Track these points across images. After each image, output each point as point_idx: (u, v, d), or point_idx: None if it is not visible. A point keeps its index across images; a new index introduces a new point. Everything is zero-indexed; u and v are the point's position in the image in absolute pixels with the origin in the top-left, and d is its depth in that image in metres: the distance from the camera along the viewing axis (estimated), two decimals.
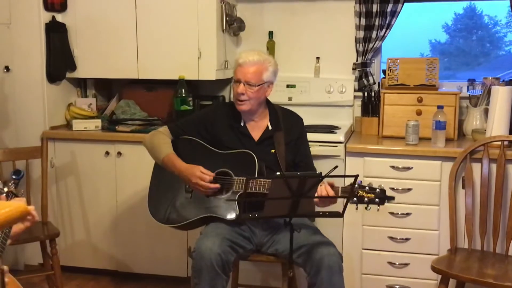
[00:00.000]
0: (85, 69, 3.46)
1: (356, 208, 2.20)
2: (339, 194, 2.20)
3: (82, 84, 3.65)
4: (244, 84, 2.41)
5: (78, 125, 3.34)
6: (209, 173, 2.36)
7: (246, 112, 2.49)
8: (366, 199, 2.15)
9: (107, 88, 3.81)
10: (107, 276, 3.40)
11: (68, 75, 3.47)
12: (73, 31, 3.43)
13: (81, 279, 3.39)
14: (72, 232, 3.40)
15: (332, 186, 2.21)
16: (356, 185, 2.16)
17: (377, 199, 2.15)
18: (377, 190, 2.16)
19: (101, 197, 3.33)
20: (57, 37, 3.35)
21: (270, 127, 2.52)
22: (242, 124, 2.52)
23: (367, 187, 2.16)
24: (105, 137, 3.28)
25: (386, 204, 2.17)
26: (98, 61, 3.42)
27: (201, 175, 2.35)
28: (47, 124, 3.37)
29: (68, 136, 3.32)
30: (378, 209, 2.18)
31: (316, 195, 2.16)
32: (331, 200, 2.22)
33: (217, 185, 2.37)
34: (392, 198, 2.18)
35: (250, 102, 2.44)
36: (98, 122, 3.38)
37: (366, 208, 2.16)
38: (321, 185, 2.19)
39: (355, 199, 2.15)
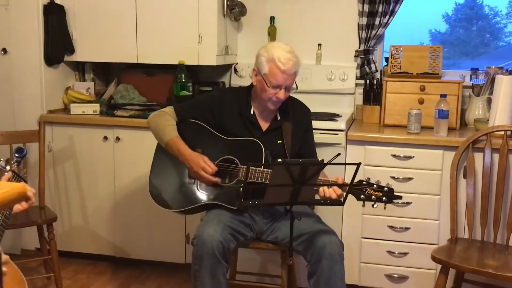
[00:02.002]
0: (83, 52, 3.42)
1: (363, 205, 2.18)
2: (347, 191, 2.18)
3: (80, 68, 3.61)
4: (285, 89, 2.36)
5: (76, 109, 3.31)
6: (212, 165, 2.33)
7: (275, 110, 2.45)
8: (374, 197, 2.14)
9: (105, 72, 3.77)
10: (104, 262, 3.39)
11: (66, 58, 3.43)
12: (71, 14, 3.38)
13: (78, 264, 3.38)
14: (69, 217, 3.38)
15: (341, 185, 2.18)
16: (364, 182, 2.14)
17: (384, 198, 2.13)
18: (385, 188, 2.14)
19: (99, 182, 3.31)
20: (55, 19, 3.30)
21: (279, 117, 2.49)
22: (251, 113, 2.48)
23: (375, 185, 2.14)
24: (104, 122, 3.24)
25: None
26: (97, 45, 3.38)
27: (204, 165, 2.32)
28: (44, 108, 3.33)
29: (66, 120, 3.28)
30: (385, 208, 2.16)
31: (322, 191, 2.15)
32: (337, 196, 2.19)
33: (218, 180, 2.34)
34: (399, 197, 2.16)
35: (281, 102, 2.41)
36: (96, 107, 3.34)
37: (372, 206, 2.14)
38: (328, 188, 2.18)
39: (362, 196, 2.14)
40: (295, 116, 2.50)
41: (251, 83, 2.48)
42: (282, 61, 2.30)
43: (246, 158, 2.34)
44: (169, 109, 2.52)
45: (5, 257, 1.37)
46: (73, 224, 3.38)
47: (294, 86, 2.41)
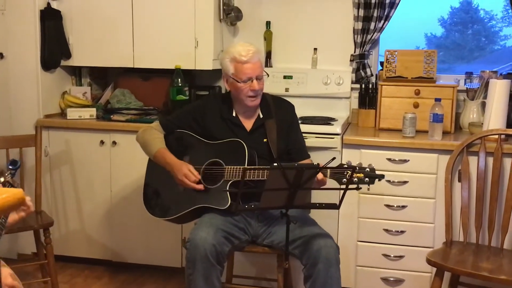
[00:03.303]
0: (80, 57, 3.43)
1: (345, 189, 2.16)
2: (328, 176, 2.20)
3: (77, 72, 3.62)
4: (256, 80, 2.39)
5: (73, 113, 3.32)
6: (196, 173, 2.37)
7: (255, 107, 2.47)
8: (355, 179, 2.14)
9: (102, 77, 3.78)
10: (101, 266, 3.39)
11: (63, 63, 3.44)
12: (68, 19, 3.39)
13: (75, 268, 3.38)
14: (66, 221, 3.38)
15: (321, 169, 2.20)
16: (345, 165, 2.15)
17: (366, 179, 2.14)
18: (366, 169, 2.15)
19: (96, 187, 3.31)
20: (52, 24, 3.31)
21: (261, 116, 2.51)
22: (234, 115, 2.51)
23: (356, 167, 2.15)
24: (100, 126, 3.25)
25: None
26: (94, 49, 3.39)
27: (188, 173, 2.36)
28: (41, 112, 3.33)
29: (63, 124, 3.29)
30: (368, 189, 2.18)
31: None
32: (318, 182, 2.21)
33: (201, 187, 2.37)
34: (382, 176, 2.17)
35: (260, 95, 2.45)
36: (93, 111, 3.35)
37: (356, 188, 2.14)
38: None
39: (344, 180, 2.14)
40: (278, 113, 2.53)
41: (229, 91, 2.52)
42: (243, 54, 2.37)
43: (231, 158, 2.38)
44: (155, 124, 2.59)
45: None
46: (70, 228, 3.38)
47: (265, 74, 2.45)
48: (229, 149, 2.41)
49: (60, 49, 3.38)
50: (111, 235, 3.33)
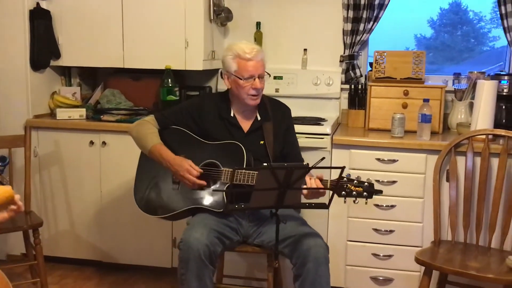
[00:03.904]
0: (69, 57, 3.42)
1: (345, 202, 2.20)
2: (328, 186, 2.21)
3: (66, 73, 3.61)
4: (259, 78, 2.39)
5: (62, 114, 3.30)
6: (197, 168, 2.35)
7: (255, 106, 2.48)
8: (354, 192, 2.16)
9: (91, 77, 3.77)
10: (91, 267, 3.38)
11: (52, 63, 3.43)
12: (57, 18, 3.38)
13: (65, 269, 3.37)
14: (55, 222, 3.37)
15: (321, 179, 2.22)
16: (345, 178, 2.16)
17: (365, 193, 2.16)
18: (365, 184, 2.17)
19: (86, 187, 3.30)
20: (41, 24, 3.30)
21: (259, 118, 2.51)
22: (232, 115, 2.50)
23: (355, 181, 2.17)
24: (90, 127, 3.24)
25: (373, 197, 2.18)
26: (83, 49, 3.38)
27: (189, 168, 2.33)
28: (30, 113, 3.32)
29: (52, 125, 3.28)
30: (366, 203, 2.19)
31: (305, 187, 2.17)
32: (319, 192, 2.22)
33: (204, 182, 2.36)
34: (380, 191, 2.18)
35: (261, 95, 2.45)
36: (82, 111, 3.34)
37: (354, 201, 2.17)
38: (310, 178, 2.20)
39: (343, 192, 2.16)
40: (276, 115, 2.53)
41: (227, 88, 2.51)
42: (247, 51, 2.37)
43: (228, 161, 2.37)
44: (150, 118, 2.55)
45: None
46: (59, 229, 3.37)
47: (267, 74, 2.45)
48: (227, 151, 2.40)
49: (50, 49, 3.37)
50: (101, 235, 3.32)
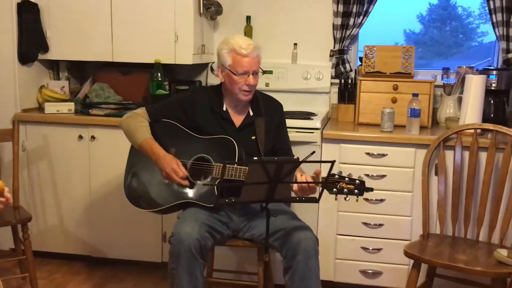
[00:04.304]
0: (58, 50, 3.39)
1: (336, 199, 2.21)
2: (320, 185, 2.21)
3: (54, 66, 3.58)
4: (253, 74, 2.38)
5: (51, 108, 3.28)
6: (184, 170, 2.35)
7: (247, 101, 2.47)
8: (345, 190, 2.16)
9: (80, 71, 3.74)
10: (80, 262, 3.37)
11: (40, 56, 3.40)
12: (45, 11, 3.35)
13: (54, 264, 3.35)
14: (44, 216, 3.34)
15: (317, 174, 2.22)
16: (336, 176, 2.17)
17: (356, 191, 2.16)
18: (357, 181, 2.17)
19: (74, 182, 3.28)
20: (29, 18, 3.27)
21: (251, 113, 2.51)
22: (224, 109, 2.50)
23: (346, 178, 2.18)
24: (79, 121, 3.22)
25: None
26: (72, 43, 3.35)
27: (176, 168, 2.33)
28: (18, 107, 3.29)
29: (40, 119, 3.25)
30: (357, 200, 2.20)
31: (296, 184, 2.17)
32: (309, 190, 2.22)
33: (187, 183, 2.36)
34: (371, 189, 2.19)
35: (253, 91, 2.44)
36: (71, 105, 3.31)
37: (345, 199, 2.18)
38: (301, 175, 2.20)
39: (334, 189, 2.17)
40: (268, 111, 2.53)
41: (220, 82, 2.50)
42: (243, 47, 2.35)
43: (220, 156, 2.37)
44: (141, 110, 2.53)
45: None
46: (48, 224, 3.35)
47: (261, 71, 2.44)
48: (219, 145, 2.39)
49: (38, 42, 3.34)
50: (90, 230, 3.31)
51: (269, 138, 2.49)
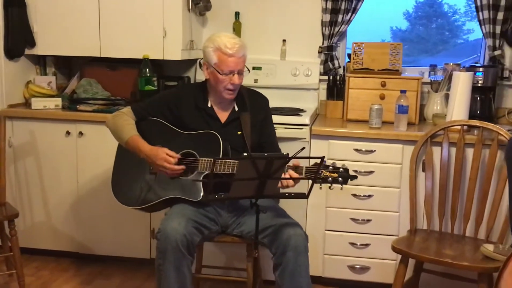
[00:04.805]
0: (44, 45, 3.36)
1: (320, 188, 2.23)
2: (303, 174, 2.22)
3: (41, 62, 3.54)
4: (238, 74, 2.38)
5: (38, 103, 3.25)
6: (174, 154, 2.34)
7: (231, 99, 2.47)
8: (329, 178, 2.17)
9: (67, 66, 3.71)
10: (67, 258, 3.35)
11: (27, 51, 3.36)
12: (32, 6, 3.31)
13: (41, 261, 3.33)
14: (31, 213, 3.32)
15: (296, 167, 2.23)
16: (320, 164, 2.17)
17: (340, 179, 2.18)
18: (340, 169, 2.19)
19: (62, 178, 3.26)
20: (15, 12, 3.23)
21: (236, 109, 2.51)
22: (209, 106, 2.50)
23: (330, 167, 2.19)
24: (66, 116, 3.19)
25: (349, 183, 2.21)
26: (59, 38, 3.32)
27: (166, 157, 2.33)
28: (4, 102, 3.25)
29: (27, 114, 3.22)
30: (342, 188, 2.21)
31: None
32: (295, 181, 2.23)
33: (182, 167, 2.35)
34: (355, 177, 2.21)
35: (238, 89, 2.44)
36: (58, 101, 3.28)
37: (329, 187, 2.19)
38: (285, 173, 2.21)
39: (319, 179, 2.17)
40: (253, 106, 2.53)
41: (206, 79, 2.50)
42: (229, 46, 2.35)
43: (205, 150, 2.37)
44: (127, 109, 2.54)
45: None
46: (35, 220, 3.32)
47: (246, 70, 2.44)
48: (204, 140, 2.39)
49: (24, 37, 3.30)
50: (78, 226, 3.29)
51: (255, 133, 2.50)
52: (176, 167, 2.33)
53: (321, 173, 2.17)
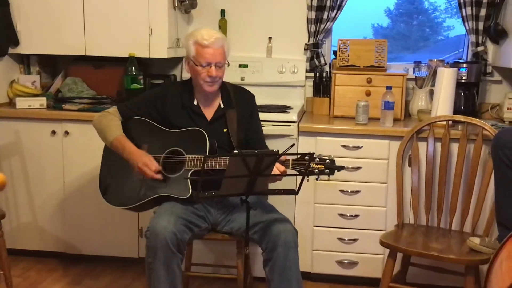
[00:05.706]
0: (28, 44, 3.32)
1: (307, 180, 2.23)
2: (290, 167, 2.24)
3: (25, 61, 3.49)
4: (215, 66, 2.38)
5: (22, 103, 3.21)
6: (156, 164, 2.35)
7: (212, 93, 2.47)
8: (316, 170, 2.19)
9: (51, 65, 3.67)
10: (54, 258, 3.32)
11: (11, 50, 3.32)
12: (15, 4, 3.28)
13: (28, 261, 3.30)
14: (17, 214, 3.28)
15: (283, 161, 2.24)
16: (306, 157, 2.19)
17: (327, 170, 2.19)
18: (327, 160, 2.21)
19: (48, 178, 3.23)
20: None
21: (222, 106, 2.52)
22: (195, 103, 2.50)
23: (317, 159, 2.20)
24: (51, 116, 3.16)
25: (337, 179, 2.22)
26: (43, 36, 3.28)
27: (147, 161, 2.34)
28: None
29: (11, 114, 3.18)
30: (329, 179, 2.23)
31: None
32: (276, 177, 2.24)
33: (160, 176, 2.35)
34: (342, 167, 2.23)
35: (218, 82, 2.44)
36: (43, 100, 3.25)
37: (316, 179, 2.20)
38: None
39: (305, 171, 2.18)
40: (239, 103, 2.53)
41: (191, 77, 2.50)
42: (205, 37, 2.36)
43: (191, 147, 2.37)
44: (113, 109, 2.53)
45: None
46: (21, 221, 3.29)
47: (226, 63, 2.44)
48: (190, 138, 2.40)
49: (8, 36, 3.26)
50: (65, 226, 3.26)
51: (241, 130, 2.51)
52: (155, 175, 2.34)
53: (308, 165, 2.18)
